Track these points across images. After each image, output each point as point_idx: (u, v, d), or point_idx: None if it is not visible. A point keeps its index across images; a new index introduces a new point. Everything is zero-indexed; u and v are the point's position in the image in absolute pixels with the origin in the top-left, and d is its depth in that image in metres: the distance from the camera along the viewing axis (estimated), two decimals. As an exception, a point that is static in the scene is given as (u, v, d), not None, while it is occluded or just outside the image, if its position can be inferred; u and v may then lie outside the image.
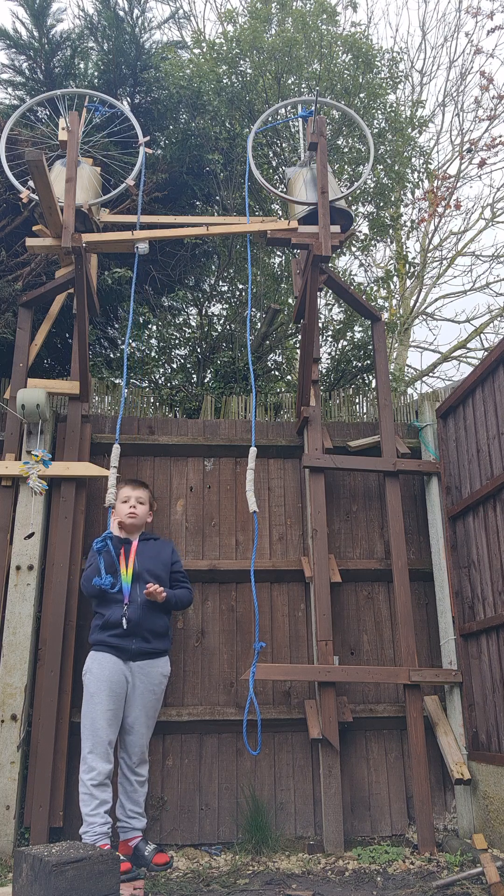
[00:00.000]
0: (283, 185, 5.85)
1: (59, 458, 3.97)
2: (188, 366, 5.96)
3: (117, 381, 5.09)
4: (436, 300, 10.76)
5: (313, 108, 4.30)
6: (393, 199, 6.37)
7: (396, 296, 9.93)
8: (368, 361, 5.90)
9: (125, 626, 3.18)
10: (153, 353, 5.76)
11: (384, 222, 6.42)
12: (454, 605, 3.87)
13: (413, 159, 6.38)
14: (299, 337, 5.04)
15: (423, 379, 10.21)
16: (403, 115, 6.40)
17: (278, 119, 5.56)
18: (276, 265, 6.42)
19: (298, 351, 5.63)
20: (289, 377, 6.39)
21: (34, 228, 4.08)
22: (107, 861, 2.26)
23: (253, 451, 3.62)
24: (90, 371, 4.81)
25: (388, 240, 8.21)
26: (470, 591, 3.75)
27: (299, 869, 3.19)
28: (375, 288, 7.07)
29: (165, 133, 5.54)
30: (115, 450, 3.59)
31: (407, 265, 9.43)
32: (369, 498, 4.28)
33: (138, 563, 3.33)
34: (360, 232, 6.64)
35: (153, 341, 5.84)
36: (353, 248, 6.98)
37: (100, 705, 3.08)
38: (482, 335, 10.09)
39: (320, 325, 6.21)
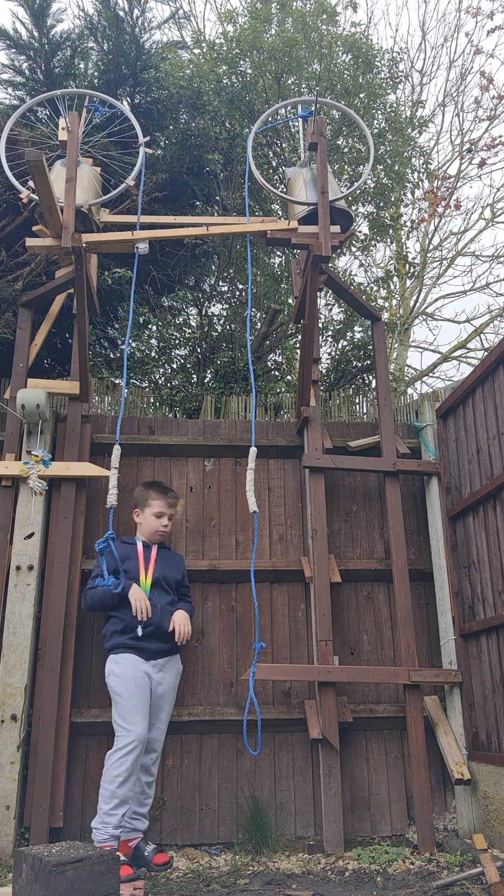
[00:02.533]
0: (283, 186, 5.86)
1: (59, 458, 3.97)
2: (188, 366, 5.96)
3: (117, 381, 5.09)
4: (436, 300, 10.77)
5: (313, 108, 4.30)
6: (393, 199, 6.37)
7: (396, 296, 9.93)
8: (368, 361, 5.90)
9: (141, 634, 3.29)
10: (153, 353, 5.76)
11: (384, 222, 6.42)
12: (454, 605, 3.87)
13: (413, 159, 6.38)
14: (299, 337, 5.04)
15: (423, 379, 10.22)
16: (403, 116, 6.40)
17: (278, 119, 5.56)
18: (276, 265, 6.42)
19: (298, 351, 5.63)
20: (289, 377, 6.39)
21: (34, 228, 4.08)
22: (107, 861, 2.26)
23: (253, 451, 3.62)
24: (90, 371, 4.82)
25: (388, 240, 8.21)
26: (470, 591, 3.75)
27: (299, 869, 3.19)
28: (375, 288, 7.07)
29: (165, 133, 5.54)
30: (116, 451, 3.59)
31: (407, 265, 9.44)
32: (369, 498, 4.28)
33: (157, 569, 3.46)
34: (360, 232, 6.65)
35: (153, 341, 5.84)
36: (353, 249, 6.98)
37: (130, 701, 3.15)
38: (482, 335, 10.10)
39: (320, 325, 6.21)
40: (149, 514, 3.55)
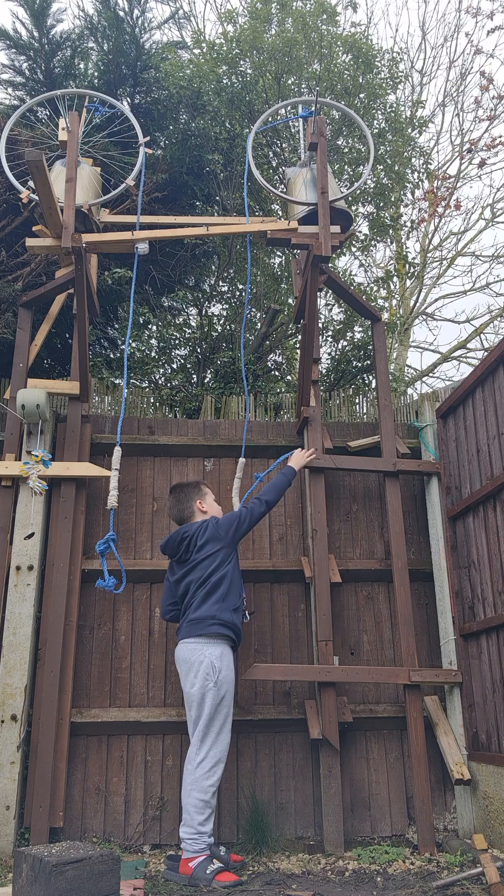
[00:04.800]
0: (282, 186, 5.85)
1: (59, 459, 3.97)
2: (188, 366, 5.96)
3: (117, 381, 5.09)
4: (436, 300, 10.76)
5: (313, 108, 4.30)
6: (393, 199, 6.36)
7: (396, 296, 9.92)
8: (368, 361, 5.90)
9: (248, 618, 3.43)
10: (153, 354, 5.76)
11: (384, 222, 6.42)
12: (454, 605, 3.87)
13: (413, 159, 6.38)
14: (299, 337, 5.04)
15: (423, 379, 10.21)
16: (403, 116, 6.40)
17: (278, 119, 5.56)
18: (276, 265, 6.42)
19: (298, 351, 5.63)
20: (289, 377, 6.39)
21: (34, 228, 4.08)
22: (107, 861, 2.26)
23: (242, 461, 4.01)
24: (90, 371, 4.82)
25: (388, 240, 8.21)
26: (470, 591, 3.75)
27: (299, 869, 3.19)
28: (375, 288, 7.07)
29: (165, 133, 5.54)
30: (117, 452, 3.69)
31: (407, 265, 9.43)
32: (369, 498, 4.28)
33: None
34: (360, 232, 6.65)
35: (153, 341, 5.84)
36: (353, 249, 6.98)
37: (228, 708, 3.13)
38: (482, 335, 10.09)
39: (320, 325, 6.21)
40: (211, 500, 3.56)
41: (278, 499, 3.54)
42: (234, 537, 3.35)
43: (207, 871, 2.90)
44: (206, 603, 3.19)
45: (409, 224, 8.55)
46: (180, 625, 3.30)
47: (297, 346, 6.26)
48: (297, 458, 3.79)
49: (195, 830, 2.98)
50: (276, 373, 6.38)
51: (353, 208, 6.33)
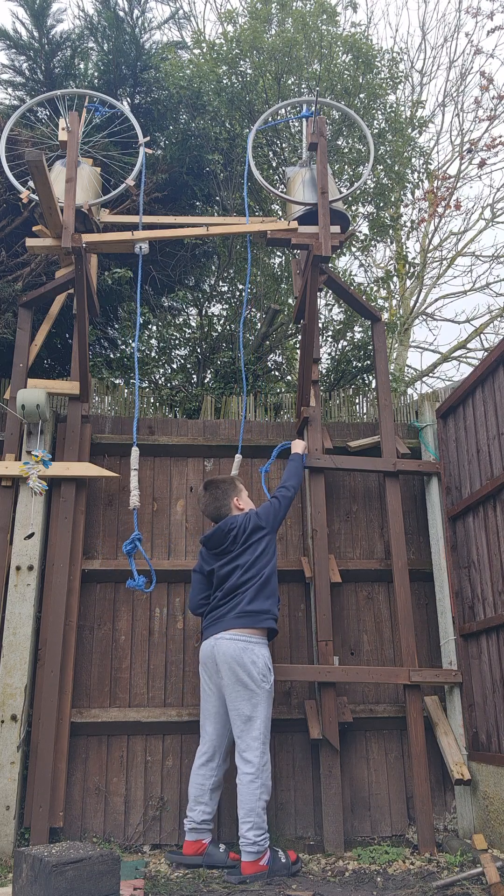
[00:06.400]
0: (282, 186, 5.86)
1: (59, 459, 3.97)
2: (188, 366, 5.96)
3: (117, 381, 5.09)
4: (436, 300, 10.75)
5: (313, 108, 4.30)
6: (393, 199, 6.36)
7: (396, 296, 9.92)
8: (368, 361, 5.90)
9: None
10: (153, 354, 5.76)
11: (384, 222, 6.42)
12: (454, 605, 3.87)
13: (413, 159, 6.38)
14: (299, 337, 5.04)
15: (423, 379, 10.21)
16: (403, 116, 6.40)
17: (278, 119, 5.56)
18: (276, 265, 6.42)
19: (298, 351, 5.63)
20: (289, 377, 6.39)
21: (34, 229, 4.08)
22: (107, 861, 2.27)
23: (238, 458, 4.04)
24: (90, 371, 4.82)
25: (388, 240, 8.21)
26: (470, 591, 3.75)
27: (299, 869, 3.19)
28: (375, 288, 7.07)
29: (165, 133, 5.54)
30: (135, 452, 3.79)
31: (407, 265, 9.43)
32: (369, 498, 4.28)
33: None
34: (360, 232, 6.65)
35: (153, 341, 5.84)
36: (353, 249, 6.98)
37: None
38: (482, 335, 10.08)
39: (320, 325, 6.21)
40: (246, 497, 3.64)
41: (300, 482, 3.70)
42: (275, 524, 3.49)
43: (283, 860, 3.05)
44: (258, 597, 3.29)
45: (409, 224, 8.55)
46: (223, 615, 3.28)
47: (297, 346, 6.26)
48: (298, 444, 3.89)
49: (264, 830, 3.05)
50: (276, 373, 6.38)
51: (354, 208, 6.33)
